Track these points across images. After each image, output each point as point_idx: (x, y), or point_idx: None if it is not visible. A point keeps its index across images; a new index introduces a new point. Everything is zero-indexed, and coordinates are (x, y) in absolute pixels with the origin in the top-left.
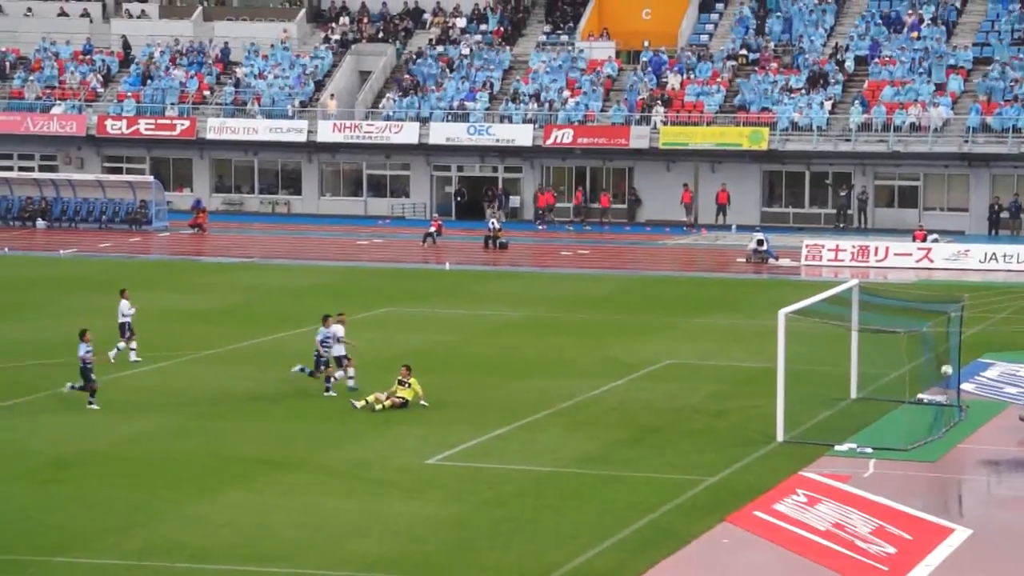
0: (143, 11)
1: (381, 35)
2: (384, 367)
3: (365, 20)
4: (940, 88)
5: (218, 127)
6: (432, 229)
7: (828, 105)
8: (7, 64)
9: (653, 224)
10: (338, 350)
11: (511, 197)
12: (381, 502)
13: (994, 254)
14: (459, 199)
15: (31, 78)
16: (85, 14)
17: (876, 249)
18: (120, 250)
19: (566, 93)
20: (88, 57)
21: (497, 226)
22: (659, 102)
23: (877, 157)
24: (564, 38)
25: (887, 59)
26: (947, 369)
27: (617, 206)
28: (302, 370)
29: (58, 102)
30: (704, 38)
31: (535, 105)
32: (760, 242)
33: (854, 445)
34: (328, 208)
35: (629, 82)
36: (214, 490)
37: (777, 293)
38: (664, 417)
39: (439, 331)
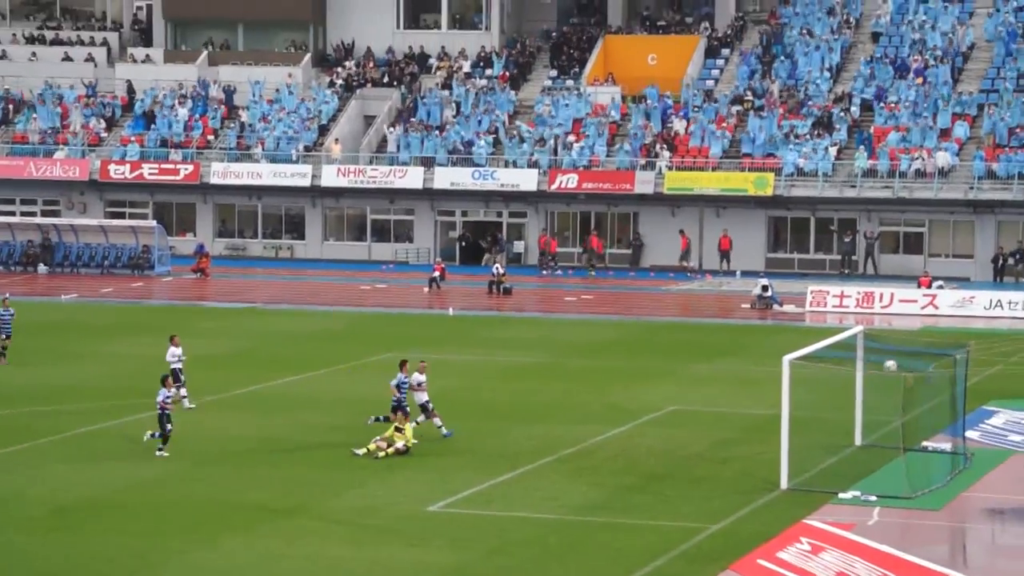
0: (148, 56)
1: (386, 79)
2: (385, 413)
3: (371, 64)
4: (945, 133)
5: (222, 171)
6: (436, 274)
7: (833, 151)
8: (11, 108)
9: (657, 269)
10: (420, 397)
11: (516, 242)
12: (383, 550)
13: (999, 301)
14: (463, 244)
15: (33, 115)
16: (90, 59)
17: (881, 295)
18: (122, 295)
19: (571, 137)
20: (92, 100)
21: (501, 271)
22: (664, 146)
23: (882, 203)
24: (570, 83)
25: (892, 104)
26: (891, 364)
27: (620, 251)
28: (376, 419)
29: (61, 147)
30: (710, 83)
31: (540, 148)
32: (765, 288)
33: (858, 493)
34: (332, 253)
35: (633, 124)
36: (216, 538)
37: (782, 339)
38: (668, 464)
39: (442, 377)
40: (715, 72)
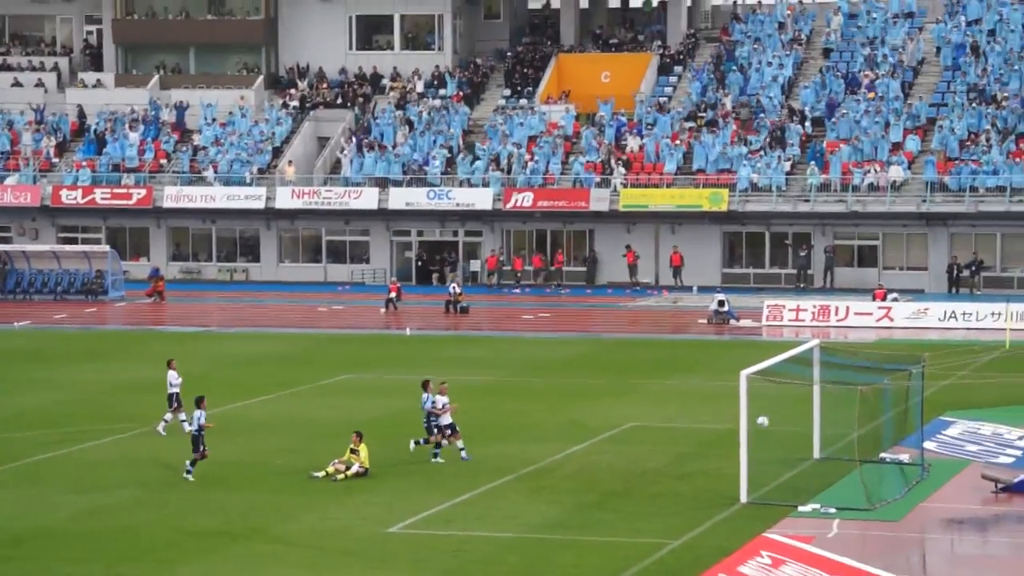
0: (99, 80)
1: (340, 101)
2: (342, 435)
3: (324, 85)
4: (897, 147)
5: (175, 195)
6: (392, 295)
7: (787, 165)
8: None
9: (614, 286)
10: (444, 420)
11: (472, 261)
12: (343, 573)
13: (953, 312)
14: (419, 263)
15: None
16: (40, 84)
17: (837, 309)
18: (76, 321)
19: (525, 156)
20: (43, 125)
21: (458, 290)
22: (620, 163)
23: (836, 217)
24: (523, 101)
25: (844, 117)
26: (762, 420)
27: (576, 268)
28: (418, 443)
29: (12, 172)
30: (664, 100)
31: (495, 168)
32: (721, 303)
33: (818, 505)
34: (287, 275)
35: (587, 139)
36: (173, 563)
37: (739, 354)
38: (628, 481)
39: (400, 397)
40: (668, 89)
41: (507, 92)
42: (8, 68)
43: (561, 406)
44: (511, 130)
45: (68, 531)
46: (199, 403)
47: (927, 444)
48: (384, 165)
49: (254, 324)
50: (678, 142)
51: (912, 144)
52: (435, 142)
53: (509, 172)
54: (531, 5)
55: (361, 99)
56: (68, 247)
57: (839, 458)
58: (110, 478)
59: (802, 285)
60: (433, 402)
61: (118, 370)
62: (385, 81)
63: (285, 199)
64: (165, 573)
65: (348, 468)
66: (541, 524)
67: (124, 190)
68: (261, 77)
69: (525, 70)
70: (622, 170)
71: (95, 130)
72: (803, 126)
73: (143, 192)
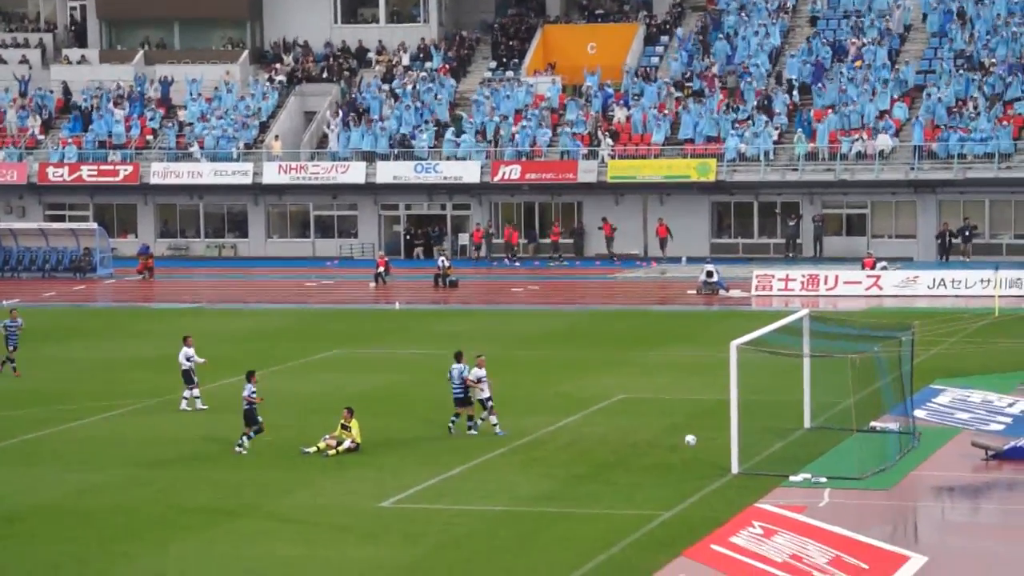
0: (83, 56)
1: (325, 75)
2: (334, 410)
3: (309, 60)
4: (883, 115)
5: (162, 171)
6: (380, 268)
7: (774, 134)
8: None
9: (602, 258)
10: (481, 393)
11: (460, 235)
12: (335, 548)
13: (943, 280)
14: (407, 237)
15: None
16: (24, 60)
17: (826, 278)
18: (65, 299)
19: (513, 128)
20: (28, 100)
21: (447, 264)
22: (607, 135)
23: (824, 186)
24: (510, 74)
25: (831, 85)
26: (690, 439)
27: (565, 241)
28: (453, 421)
29: None
30: (650, 70)
31: (481, 140)
32: (710, 274)
33: (809, 475)
34: (275, 251)
35: (573, 111)
36: (166, 541)
37: (728, 324)
38: (619, 452)
39: (391, 372)
40: (654, 59)
41: (493, 64)
42: None
43: (552, 378)
44: (497, 103)
45: (61, 509)
46: (249, 377)
47: (917, 412)
48: (371, 139)
49: (243, 300)
50: (665, 112)
51: (900, 112)
52: (422, 116)
53: (496, 145)
54: None
55: (347, 73)
56: (56, 225)
57: (830, 427)
58: (102, 456)
59: (791, 255)
60: (466, 374)
61: (109, 348)
62: (371, 55)
63: (272, 174)
64: (158, 551)
65: (339, 444)
66: (533, 497)
67: (111, 167)
68: (246, 52)
69: (511, 42)
70: (609, 141)
71: (80, 107)
72: (790, 95)
73: (130, 169)
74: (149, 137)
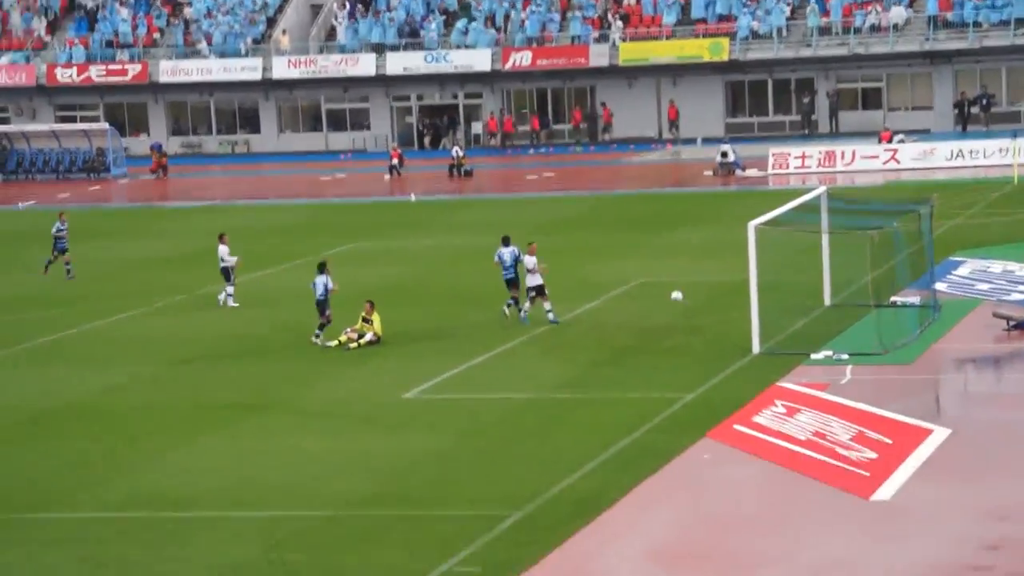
0: None
1: None
2: (354, 303)
3: None
4: None
5: (171, 69)
6: (394, 160)
7: (787, 10)
8: None
9: (618, 142)
10: (534, 279)
11: (474, 123)
12: (361, 440)
13: (960, 151)
14: (420, 128)
15: None
16: None
17: (843, 154)
18: (80, 199)
19: (522, 14)
20: (33, 1)
21: (461, 154)
22: (617, 18)
23: (839, 61)
24: None
25: None
26: (677, 295)
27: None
28: (509, 305)
29: (5, 52)
30: None
31: (490, 26)
32: (725, 154)
33: (830, 352)
34: (288, 145)
35: None
36: (193, 437)
37: (746, 204)
38: (640, 337)
39: (409, 264)
40: None
41: None
42: None
43: (569, 265)
44: None
45: (86, 408)
46: (322, 268)
47: (938, 285)
48: (379, 30)
49: (257, 196)
50: None
51: None
52: (428, 4)
53: (505, 32)
54: None
55: None
56: (67, 126)
57: (850, 304)
58: (126, 355)
59: (807, 131)
60: (520, 259)
61: (128, 248)
62: None
63: (282, 69)
64: (185, 447)
65: (361, 336)
66: (555, 383)
67: (119, 66)
68: None
69: None
70: (620, 24)
71: (85, 7)
72: None
73: (139, 67)
74: (156, 35)
